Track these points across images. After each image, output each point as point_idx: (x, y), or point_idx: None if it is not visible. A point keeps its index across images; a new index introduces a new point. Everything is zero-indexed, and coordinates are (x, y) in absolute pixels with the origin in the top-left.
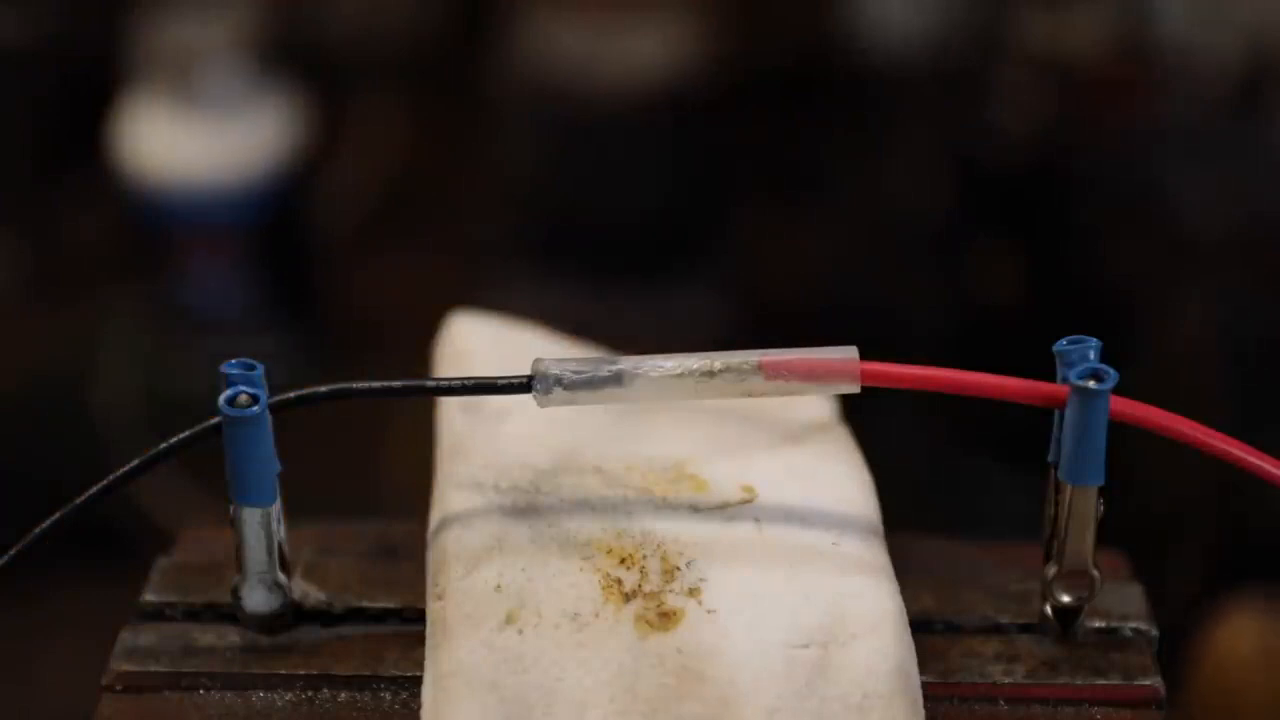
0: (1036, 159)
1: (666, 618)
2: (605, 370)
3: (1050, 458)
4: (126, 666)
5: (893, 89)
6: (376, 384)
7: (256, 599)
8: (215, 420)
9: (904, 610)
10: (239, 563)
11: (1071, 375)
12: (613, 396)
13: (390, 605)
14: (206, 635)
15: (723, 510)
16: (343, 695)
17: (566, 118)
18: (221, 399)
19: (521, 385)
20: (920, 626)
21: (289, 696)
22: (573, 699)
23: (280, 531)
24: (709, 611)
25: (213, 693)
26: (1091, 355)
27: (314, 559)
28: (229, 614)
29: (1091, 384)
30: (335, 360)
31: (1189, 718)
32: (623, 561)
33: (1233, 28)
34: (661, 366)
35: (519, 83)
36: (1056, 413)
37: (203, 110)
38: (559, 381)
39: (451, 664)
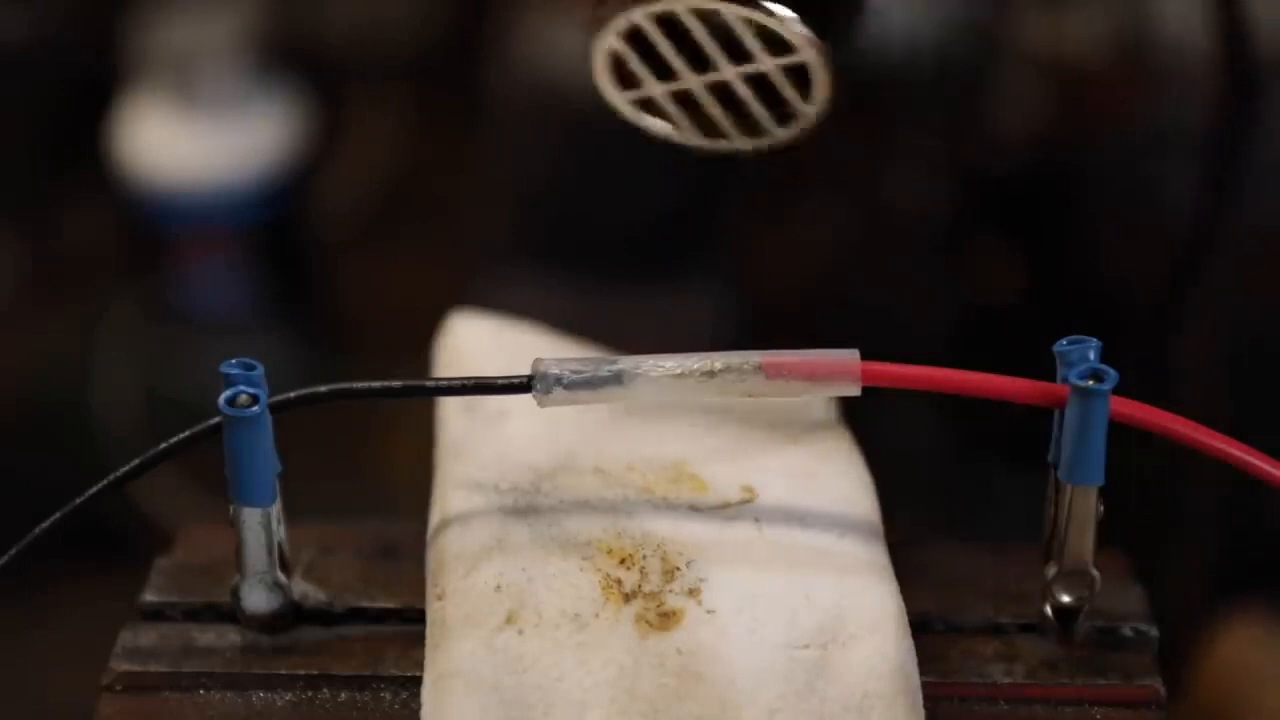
0: (1036, 159)
1: (666, 618)
2: (605, 370)
3: (1050, 458)
4: (126, 666)
5: (892, 89)
6: (376, 384)
7: (256, 599)
8: (215, 420)
9: (904, 610)
10: (239, 563)
11: (1071, 375)
12: (613, 396)
13: (390, 605)
14: (206, 635)
15: (723, 510)
16: (343, 695)
17: (566, 117)
18: (221, 399)
19: (521, 385)
20: (920, 626)
21: (289, 696)
22: (573, 699)
23: (280, 531)
24: (709, 612)
25: (213, 693)
26: (1091, 355)
27: (314, 559)
28: (229, 614)
29: (1091, 384)
30: (335, 360)
31: None
32: (623, 562)
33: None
34: (661, 366)
35: (519, 83)
36: (1056, 413)
37: (203, 110)
38: (559, 381)
39: (451, 664)
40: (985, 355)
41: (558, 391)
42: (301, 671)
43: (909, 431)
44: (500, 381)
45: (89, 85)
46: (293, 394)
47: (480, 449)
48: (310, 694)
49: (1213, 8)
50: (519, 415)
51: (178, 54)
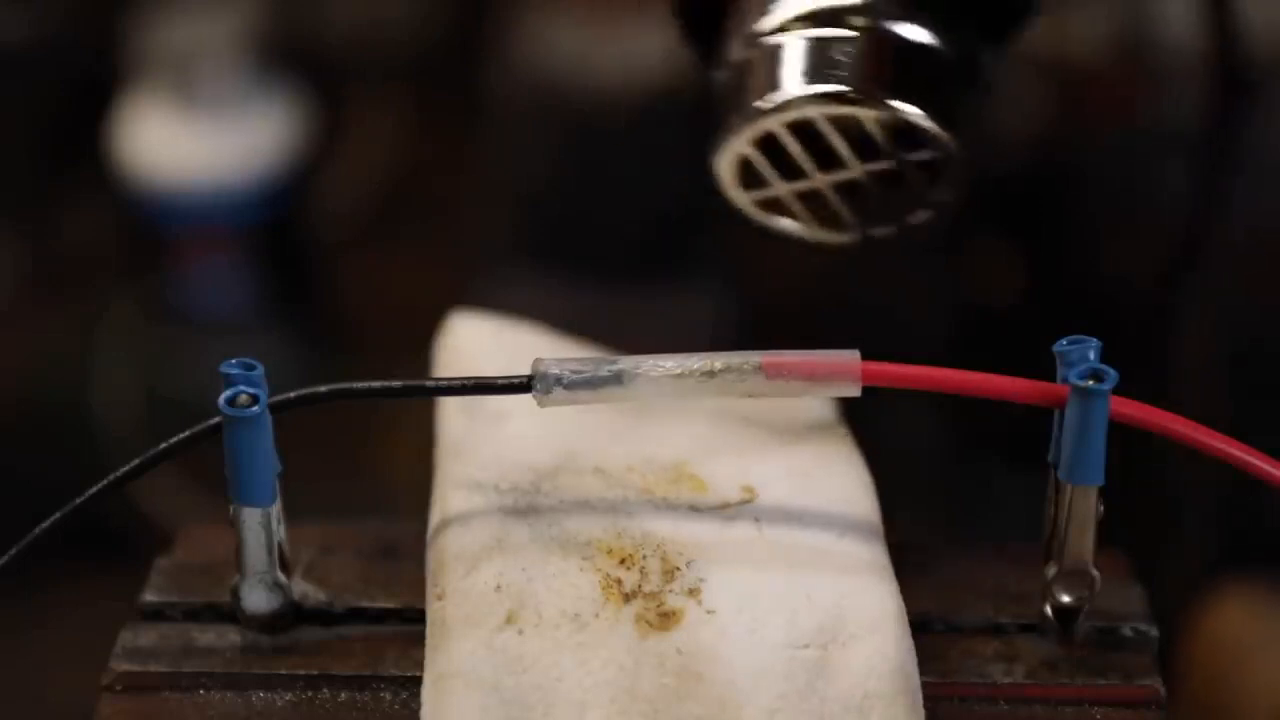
0: (1036, 159)
1: (666, 618)
2: (605, 370)
3: (1050, 458)
4: (126, 666)
5: None
6: (376, 384)
7: (256, 599)
8: (215, 420)
9: (904, 610)
10: (239, 563)
11: (1071, 375)
12: (613, 396)
13: (390, 605)
14: (206, 635)
15: (723, 510)
16: (343, 695)
17: (567, 117)
18: (221, 399)
19: (521, 385)
20: (920, 626)
21: (289, 696)
22: (572, 699)
23: (280, 531)
24: (709, 612)
25: (213, 693)
26: (1091, 355)
27: (314, 559)
28: (229, 614)
29: (1091, 384)
30: (335, 360)
31: (1180, 707)
32: (623, 562)
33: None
34: (661, 366)
35: (519, 83)
36: (1056, 413)
37: (203, 110)
38: (559, 381)
39: (451, 664)
40: (985, 355)
41: (558, 391)
42: (301, 671)
43: (909, 431)
44: (500, 381)
45: (89, 85)
46: (293, 394)
47: (480, 449)
48: (310, 694)
49: (1210, 8)
50: (519, 415)
51: (178, 54)
